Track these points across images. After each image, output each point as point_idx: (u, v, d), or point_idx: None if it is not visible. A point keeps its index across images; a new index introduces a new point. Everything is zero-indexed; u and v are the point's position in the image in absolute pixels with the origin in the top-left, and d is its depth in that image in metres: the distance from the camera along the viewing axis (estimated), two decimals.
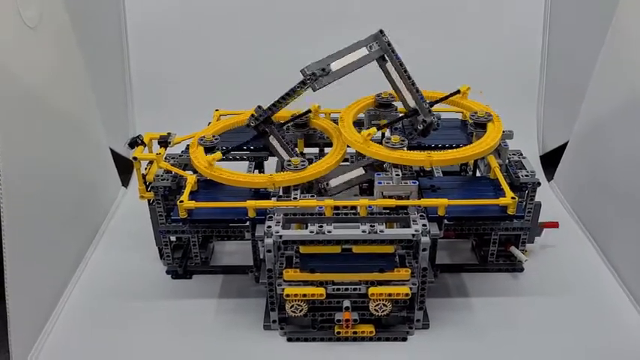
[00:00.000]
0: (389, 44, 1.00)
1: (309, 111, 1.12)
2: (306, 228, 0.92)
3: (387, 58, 1.01)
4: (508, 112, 1.14)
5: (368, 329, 0.96)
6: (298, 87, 0.99)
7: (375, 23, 1.48)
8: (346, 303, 0.94)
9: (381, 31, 1.00)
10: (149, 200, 1.07)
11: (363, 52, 1.00)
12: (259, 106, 1.03)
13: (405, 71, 1.01)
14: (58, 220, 1.09)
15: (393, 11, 1.50)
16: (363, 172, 1.04)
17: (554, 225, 1.17)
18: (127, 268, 1.15)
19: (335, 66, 0.98)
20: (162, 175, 1.05)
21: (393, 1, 1.50)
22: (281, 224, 0.92)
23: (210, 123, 1.15)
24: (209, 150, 1.04)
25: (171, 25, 1.51)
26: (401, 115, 1.08)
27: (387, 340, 0.97)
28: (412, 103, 1.03)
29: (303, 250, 0.93)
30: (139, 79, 1.52)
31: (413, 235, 0.90)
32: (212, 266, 1.15)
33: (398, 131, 1.12)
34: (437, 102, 1.10)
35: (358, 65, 0.99)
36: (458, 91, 1.12)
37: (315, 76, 0.96)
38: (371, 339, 0.97)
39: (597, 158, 1.23)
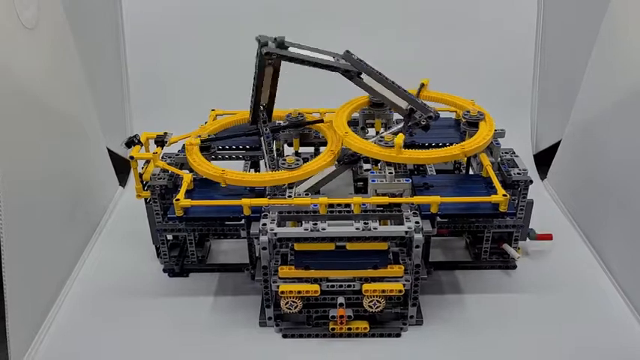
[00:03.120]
0: (360, 60, 1.01)
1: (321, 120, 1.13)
2: (301, 225, 0.93)
3: (363, 75, 1.01)
4: (501, 111, 1.15)
5: (362, 325, 0.97)
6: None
7: (374, 24, 1.51)
8: (340, 299, 0.95)
9: (348, 51, 1.01)
10: (146, 199, 1.08)
11: (328, 57, 1.01)
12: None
13: (386, 78, 1.02)
14: (55, 219, 1.10)
15: (390, 12, 1.51)
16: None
17: (548, 237, 1.18)
18: (125, 266, 1.16)
19: (294, 50, 1.00)
20: (158, 174, 1.06)
21: (390, 2, 1.51)
22: (276, 222, 0.93)
23: (206, 122, 1.16)
24: (204, 148, 1.05)
25: (168, 25, 1.52)
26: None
27: (381, 336, 0.98)
28: (404, 104, 1.03)
29: (297, 247, 0.94)
30: (135, 79, 1.53)
31: (406, 232, 0.91)
32: (208, 264, 1.16)
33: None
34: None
35: (317, 61, 1.00)
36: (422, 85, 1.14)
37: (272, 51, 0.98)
38: (365, 335, 0.98)
39: (590, 157, 1.24)
